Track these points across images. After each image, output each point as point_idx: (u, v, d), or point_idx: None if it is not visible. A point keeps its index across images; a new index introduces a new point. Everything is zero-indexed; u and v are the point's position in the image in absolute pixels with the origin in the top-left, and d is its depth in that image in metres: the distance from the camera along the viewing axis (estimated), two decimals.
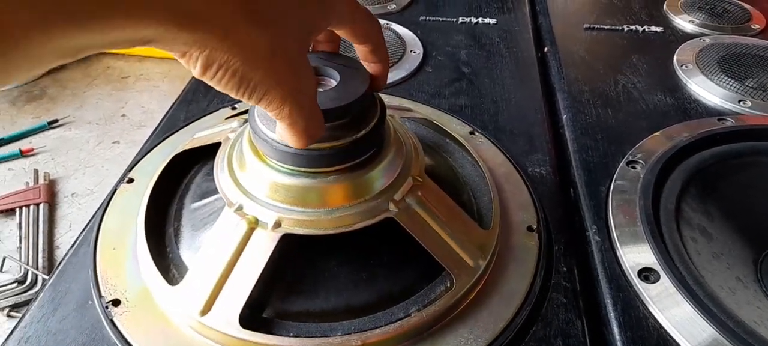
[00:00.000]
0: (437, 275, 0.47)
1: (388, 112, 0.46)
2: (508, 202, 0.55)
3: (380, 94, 0.46)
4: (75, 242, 0.54)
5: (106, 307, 0.45)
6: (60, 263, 0.52)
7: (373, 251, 0.47)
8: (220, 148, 0.49)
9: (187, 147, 0.56)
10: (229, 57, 0.30)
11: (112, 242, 0.51)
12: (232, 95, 0.32)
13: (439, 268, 0.46)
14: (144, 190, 0.53)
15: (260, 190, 0.43)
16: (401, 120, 0.54)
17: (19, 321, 0.47)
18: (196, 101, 0.74)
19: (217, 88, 0.31)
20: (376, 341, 0.42)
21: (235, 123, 0.55)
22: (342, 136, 0.41)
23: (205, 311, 0.42)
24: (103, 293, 0.46)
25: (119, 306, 0.45)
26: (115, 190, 0.57)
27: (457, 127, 0.65)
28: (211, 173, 0.53)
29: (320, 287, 0.46)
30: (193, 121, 0.68)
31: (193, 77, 0.79)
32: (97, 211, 0.55)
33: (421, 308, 0.44)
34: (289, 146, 0.40)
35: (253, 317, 0.43)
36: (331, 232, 0.42)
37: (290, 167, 0.42)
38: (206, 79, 0.31)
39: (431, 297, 0.45)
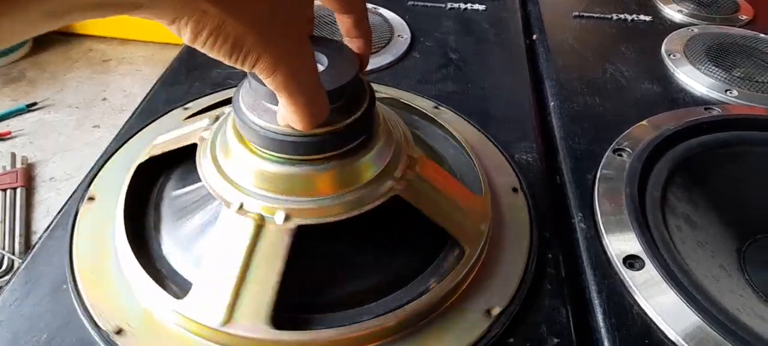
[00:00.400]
0: (442, 247, 0.48)
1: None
2: (487, 168, 0.56)
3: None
4: (49, 225, 0.52)
5: (108, 338, 0.42)
6: (34, 246, 0.50)
7: (377, 233, 0.47)
8: (199, 149, 0.46)
9: (154, 154, 0.52)
10: (220, 21, 0.29)
11: (91, 268, 0.47)
12: (225, 62, 0.31)
13: (443, 240, 0.47)
14: (111, 207, 0.50)
15: (258, 184, 0.42)
16: None
17: None
18: (177, 83, 0.72)
19: (210, 54, 0.30)
20: (406, 318, 0.42)
21: (204, 122, 0.51)
22: (338, 119, 0.40)
23: (227, 319, 0.40)
24: (101, 325, 0.43)
25: (123, 335, 0.42)
26: (77, 211, 0.53)
27: (421, 103, 0.66)
28: (183, 179, 0.52)
29: (337, 275, 0.45)
30: (146, 126, 0.63)
31: (175, 59, 0.78)
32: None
33: (438, 280, 0.45)
34: (286, 134, 0.39)
35: (278, 316, 0.41)
36: (344, 217, 0.41)
37: (288, 157, 0.41)
38: (198, 46, 0.29)
39: (445, 268, 0.46)
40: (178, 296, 0.42)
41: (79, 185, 0.56)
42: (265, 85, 0.34)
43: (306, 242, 0.42)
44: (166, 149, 0.51)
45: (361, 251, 0.46)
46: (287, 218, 0.41)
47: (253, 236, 0.41)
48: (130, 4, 0.26)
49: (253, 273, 0.40)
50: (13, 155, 1.88)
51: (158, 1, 0.27)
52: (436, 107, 0.66)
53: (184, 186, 0.52)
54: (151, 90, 0.71)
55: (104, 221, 0.50)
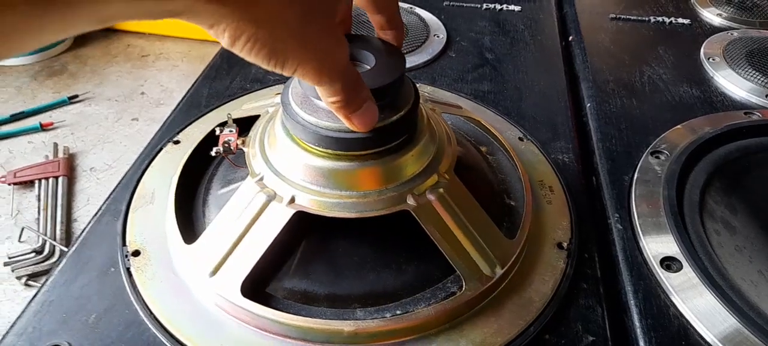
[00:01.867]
0: (451, 274, 0.46)
1: (432, 105, 0.46)
2: (544, 214, 0.53)
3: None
4: (98, 211, 0.55)
5: (126, 256, 0.48)
6: (83, 231, 0.52)
7: (390, 240, 0.47)
8: (257, 122, 0.49)
9: (233, 117, 0.54)
10: (256, 29, 0.29)
11: (149, 193, 0.54)
12: (264, 67, 0.32)
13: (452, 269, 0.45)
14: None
15: (284, 166, 0.44)
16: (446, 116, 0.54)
17: (42, 285, 0.48)
18: (219, 78, 0.74)
19: (248, 59, 0.31)
20: (373, 331, 0.42)
21: (278, 98, 0.53)
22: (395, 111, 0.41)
23: (214, 272, 0.43)
24: (127, 242, 0.49)
25: (139, 257, 0.48)
26: (161, 148, 0.60)
27: (507, 132, 0.63)
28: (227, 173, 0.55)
29: (329, 270, 0.46)
30: (245, 94, 0.69)
31: (217, 54, 0.80)
32: (132, 167, 0.58)
33: (428, 305, 0.44)
34: (319, 127, 0.41)
35: (257, 289, 0.44)
36: (344, 216, 0.42)
37: (319, 149, 0.42)
38: (235, 51, 0.30)
39: (440, 297, 0.45)
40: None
41: (124, 176, 0.58)
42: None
43: (310, 231, 0.44)
44: (241, 115, 0.55)
45: (359, 254, 0.46)
46: (292, 201, 0.42)
47: (260, 209, 0.43)
48: (170, 12, 0.27)
49: (247, 241, 0.43)
50: (56, 145, 1.94)
51: (196, 9, 0.28)
52: (521, 139, 0.62)
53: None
54: (194, 84, 0.73)
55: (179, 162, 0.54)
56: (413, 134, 0.44)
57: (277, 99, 0.48)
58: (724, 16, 0.91)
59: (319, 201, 0.42)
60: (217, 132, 0.51)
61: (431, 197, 0.43)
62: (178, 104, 0.70)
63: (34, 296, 0.47)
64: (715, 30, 0.87)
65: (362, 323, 0.42)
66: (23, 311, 0.45)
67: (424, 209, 0.43)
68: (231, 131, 0.50)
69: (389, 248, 0.47)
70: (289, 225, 0.42)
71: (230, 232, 0.43)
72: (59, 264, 0.49)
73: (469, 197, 0.46)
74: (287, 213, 0.42)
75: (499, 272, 0.45)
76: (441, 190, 0.43)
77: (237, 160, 0.51)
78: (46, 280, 0.48)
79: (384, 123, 0.40)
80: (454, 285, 0.46)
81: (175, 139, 0.61)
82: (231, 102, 0.68)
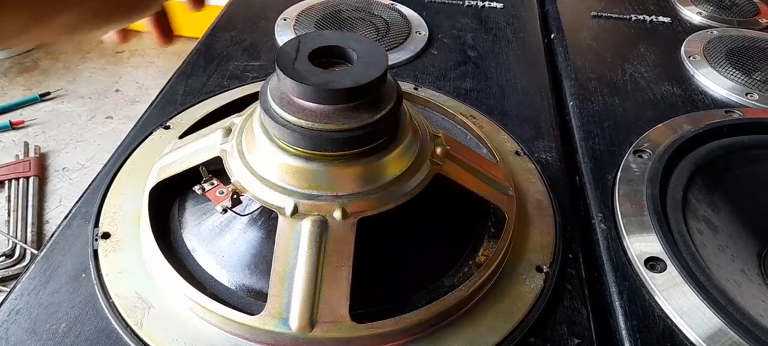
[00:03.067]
0: (477, 222, 0.51)
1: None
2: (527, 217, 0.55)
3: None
4: (68, 213, 0.53)
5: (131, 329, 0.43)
6: (53, 234, 0.50)
7: (417, 221, 0.48)
8: (229, 162, 0.45)
9: (166, 176, 0.50)
10: None
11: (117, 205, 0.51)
12: None
13: (473, 215, 0.51)
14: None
15: (305, 184, 0.42)
16: None
17: (9, 292, 0.45)
18: (195, 75, 0.72)
19: None
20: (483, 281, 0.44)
21: (216, 136, 0.48)
22: (378, 111, 0.41)
23: (305, 325, 0.40)
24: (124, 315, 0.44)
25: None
26: (151, 132, 0.60)
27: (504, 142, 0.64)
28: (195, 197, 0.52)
29: (390, 263, 0.46)
30: (223, 92, 0.68)
31: (193, 51, 0.78)
32: (104, 168, 0.56)
33: (485, 249, 0.48)
34: (331, 131, 0.40)
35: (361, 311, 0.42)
36: (400, 202, 0.43)
37: (331, 153, 0.41)
38: None
39: (493, 234, 0.50)
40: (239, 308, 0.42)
41: (95, 177, 0.56)
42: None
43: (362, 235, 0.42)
44: (182, 169, 0.49)
45: (401, 240, 0.47)
46: (345, 213, 0.41)
47: (317, 236, 0.41)
48: None
49: (325, 274, 0.40)
50: (26, 144, 1.88)
51: None
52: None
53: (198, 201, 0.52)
54: (169, 81, 0.71)
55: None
56: (405, 121, 0.46)
57: (217, 135, 0.48)
58: (703, 14, 0.91)
59: (366, 202, 0.42)
60: (199, 190, 0.46)
61: (445, 158, 0.47)
62: (153, 101, 0.68)
63: (1, 303, 0.45)
64: (696, 28, 0.87)
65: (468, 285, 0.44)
66: None
67: (448, 168, 0.46)
68: (213, 184, 0.46)
69: (418, 229, 0.49)
70: (357, 236, 0.41)
71: (300, 272, 0.40)
72: (28, 269, 0.47)
73: (461, 145, 0.52)
74: (350, 226, 0.41)
75: (512, 192, 0.51)
76: (448, 148, 0.47)
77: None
78: (14, 286, 0.46)
79: (388, 111, 0.42)
80: (450, 278, 0.46)
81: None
82: (207, 99, 0.66)
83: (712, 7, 0.93)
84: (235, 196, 0.43)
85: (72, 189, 1.71)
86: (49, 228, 1.61)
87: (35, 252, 1.50)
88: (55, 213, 1.65)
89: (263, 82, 0.44)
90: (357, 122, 0.40)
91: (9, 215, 1.61)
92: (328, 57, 0.44)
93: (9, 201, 1.65)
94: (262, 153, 0.43)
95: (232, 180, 0.44)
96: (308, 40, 0.44)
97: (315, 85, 0.39)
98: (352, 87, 0.39)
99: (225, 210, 0.43)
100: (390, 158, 0.43)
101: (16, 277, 1.46)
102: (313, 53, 0.42)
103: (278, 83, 0.42)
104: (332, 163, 0.42)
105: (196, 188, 0.45)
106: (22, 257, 1.51)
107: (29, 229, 1.58)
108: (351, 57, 0.43)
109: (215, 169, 0.47)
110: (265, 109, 0.42)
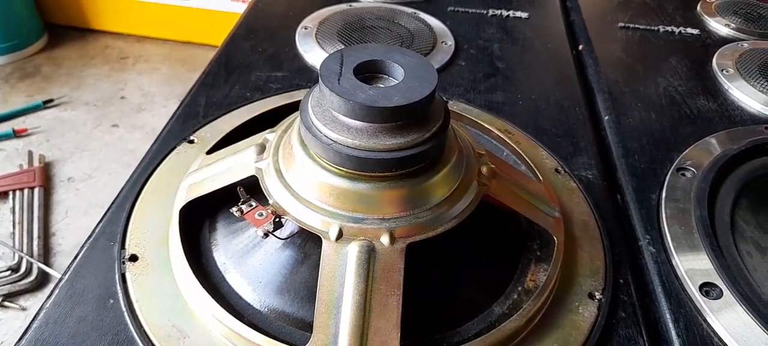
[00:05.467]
0: (523, 245, 0.49)
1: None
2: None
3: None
4: (92, 233, 0.50)
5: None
6: (77, 256, 0.48)
7: (464, 245, 0.46)
8: (266, 181, 0.43)
9: (197, 195, 0.48)
10: None
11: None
12: None
13: (518, 237, 0.49)
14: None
15: (351, 207, 0.39)
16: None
17: (33, 320, 0.43)
18: (216, 86, 0.69)
19: None
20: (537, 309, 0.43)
21: (250, 152, 0.46)
22: (426, 130, 0.39)
23: None
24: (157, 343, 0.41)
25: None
26: (174, 147, 0.58)
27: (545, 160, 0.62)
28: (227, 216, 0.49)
29: (438, 291, 0.44)
30: (245, 104, 0.65)
31: (213, 60, 0.76)
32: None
33: (533, 274, 0.46)
34: (378, 150, 0.38)
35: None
36: (449, 226, 0.40)
37: (379, 174, 0.39)
38: None
39: (539, 257, 0.48)
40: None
41: (117, 195, 0.54)
42: None
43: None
44: (214, 188, 0.47)
45: (444, 265, 0.45)
46: (393, 238, 0.38)
47: (364, 263, 0.38)
48: None
49: (373, 303, 0.38)
50: (30, 153, 1.85)
51: None
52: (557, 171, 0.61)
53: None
54: (189, 91, 0.69)
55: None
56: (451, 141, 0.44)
57: (250, 152, 0.45)
58: (732, 26, 0.89)
59: (414, 226, 0.39)
60: (237, 212, 0.43)
61: (492, 178, 0.44)
62: (174, 114, 0.65)
63: (25, 332, 0.42)
64: (725, 41, 0.86)
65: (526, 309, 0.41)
66: None
67: (496, 189, 0.44)
68: (251, 206, 0.44)
69: (467, 252, 0.46)
70: (404, 262, 0.39)
71: (347, 301, 0.38)
72: (52, 295, 0.45)
73: (508, 166, 0.50)
74: (399, 251, 0.38)
75: (558, 213, 0.49)
76: (493, 166, 0.45)
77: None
78: (38, 313, 0.43)
79: (437, 130, 0.40)
80: (500, 306, 0.44)
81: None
82: (231, 112, 0.63)
83: (740, 19, 0.91)
84: (277, 219, 0.40)
85: (78, 200, 1.67)
86: (56, 240, 1.57)
87: (42, 266, 1.47)
88: (62, 225, 1.61)
89: (295, 96, 0.42)
90: (407, 142, 0.38)
91: (14, 227, 1.56)
92: (371, 72, 0.41)
93: (13, 213, 1.60)
94: (301, 172, 0.41)
95: (270, 202, 0.41)
96: (352, 53, 0.41)
97: (365, 103, 0.37)
98: (404, 105, 0.37)
99: (266, 235, 0.40)
100: (437, 179, 0.41)
101: (22, 293, 1.43)
102: (358, 68, 0.40)
103: (320, 99, 0.40)
104: (379, 184, 0.39)
105: (234, 210, 0.43)
106: (29, 271, 1.46)
107: (35, 242, 1.53)
108: (396, 72, 0.41)
109: (246, 186, 0.45)
110: (306, 127, 0.39)
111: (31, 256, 1.49)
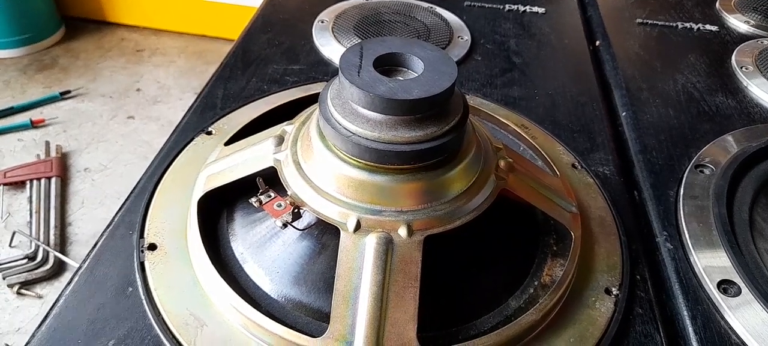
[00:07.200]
0: (540, 239, 0.48)
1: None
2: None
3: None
4: (111, 221, 0.51)
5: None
6: (96, 244, 0.49)
7: (481, 238, 0.46)
8: (284, 172, 0.43)
9: (216, 185, 0.48)
10: None
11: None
12: None
13: (535, 232, 0.48)
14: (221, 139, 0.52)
15: (369, 199, 0.39)
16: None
17: (53, 307, 0.44)
18: (233, 79, 0.70)
19: None
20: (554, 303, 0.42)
21: (268, 143, 0.46)
22: (445, 123, 0.39)
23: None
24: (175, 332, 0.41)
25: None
26: (193, 138, 0.58)
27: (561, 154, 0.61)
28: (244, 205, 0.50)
29: (455, 284, 0.44)
30: (262, 96, 0.65)
31: (230, 53, 0.76)
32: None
33: (549, 269, 0.46)
34: (396, 143, 0.38)
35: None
36: (467, 219, 0.40)
37: (396, 167, 0.39)
38: None
39: (556, 252, 0.48)
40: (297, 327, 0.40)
41: (136, 185, 0.54)
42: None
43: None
44: (232, 179, 0.47)
45: (471, 257, 0.45)
46: (411, 231, 0.38)
47: (382, 255, 0.38)
48: None
49: (391, 294, 0.38)
50: (48, 144, 1.87)
51: None
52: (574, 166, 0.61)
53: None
54: (207, 84, 0.69)
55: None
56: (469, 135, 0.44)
57: (268, 143, 0.45)
58: (751, 23, 0.88)
59: (432, 219, 0.39)
60: (256, 203, 0.43)
61: (510, 173, 0.44)
62: (192, 106, 0.66)
63: (45, 318, 0.43)
64: (744, 38, 0.85)
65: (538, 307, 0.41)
66: (32, 337, 0.41)
67: (514, 183, 0.44)
68: (269, 196, 0.44)
69: (484, 245, 0.46)
70: (423, 254, 0.39)
71: (365, 293, 0.38)
72: (71, 282, 0.45)
73: (526, 160, 0.50)
74: (416, 244, 0.39)
75: (575, 209, 0.48)
76: (511, 161, 0.45)
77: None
78: (57, 300, 0.44)
79: (456, 123, 0.40)
80: (516, 300, 0.44)
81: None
82: (248, 103, 0.64)
83: (759, 16, 0.90)
84: (295, 210, 0.41)
85: (95, 191, 1.69)
86: (72, 230, 1.59)
87: (59, 255, 1.49)
88: (78, 215, 1.63)
89: (311, 88, 0.42)
90: (426, 135, 0.38)
91: (31, 216, 1.59)
92: (390, 65, 0.42)
93: (31, 202, 1.62)
94: (320, 164, 0.41)
95: (288, 192, 0.42)
96: (371, 46, 0.41)
97: (386, 96, 0.37)
98: (425, 97, 0.37)
99: (285, 225, 0.41)
100: (456, 173, 0.41)
101: (39, 281, 1.45)
102: (378, 60, 0.40)
103: (340, 91, 0.40)
104: (397, 176, 0.39)
105: (253, 200, 0.43)
106: (45, 259, 1.48)
107: (52, 231, 1.55)
108: (416, 65, 0.41)
109: (265, 177, 0.45)
110: (325, 119, 0.40)
111: (48, 245, 1.51)
